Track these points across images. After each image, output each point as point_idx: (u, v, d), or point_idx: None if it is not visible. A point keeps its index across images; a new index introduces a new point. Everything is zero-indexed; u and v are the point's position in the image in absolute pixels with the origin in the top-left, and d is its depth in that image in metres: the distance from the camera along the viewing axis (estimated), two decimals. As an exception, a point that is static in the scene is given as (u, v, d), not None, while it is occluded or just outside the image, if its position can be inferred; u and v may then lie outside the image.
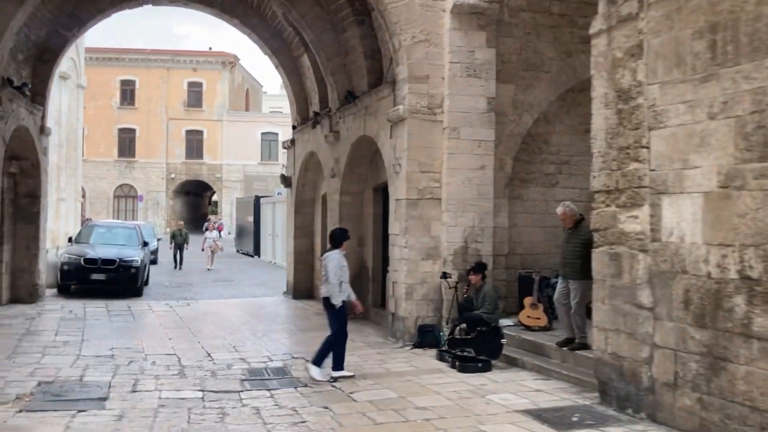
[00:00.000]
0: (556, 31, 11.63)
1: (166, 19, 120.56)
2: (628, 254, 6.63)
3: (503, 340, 9.29)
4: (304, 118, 17.50)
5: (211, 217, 50.71)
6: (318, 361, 8.76)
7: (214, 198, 61.95)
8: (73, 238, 19.08)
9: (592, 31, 7.07)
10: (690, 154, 5.96)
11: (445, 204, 10.98)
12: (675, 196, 6.10)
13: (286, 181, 17.95)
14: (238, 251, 37.68)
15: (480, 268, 10.48)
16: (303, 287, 17.52)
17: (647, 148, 6.39)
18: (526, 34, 11.53)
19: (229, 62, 58.79)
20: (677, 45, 6.05)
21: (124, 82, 56.25)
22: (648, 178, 6.39)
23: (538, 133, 11.76)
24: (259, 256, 33.59)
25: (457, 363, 9.16)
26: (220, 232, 31.18)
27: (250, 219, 35.32)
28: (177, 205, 58.44)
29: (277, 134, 58.25)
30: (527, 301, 10.41)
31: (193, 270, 24.57)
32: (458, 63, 10.95)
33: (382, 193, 13.82)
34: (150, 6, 16.40)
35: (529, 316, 10.25)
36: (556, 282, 10.76)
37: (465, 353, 9.51)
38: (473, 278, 10.40)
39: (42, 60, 15.19)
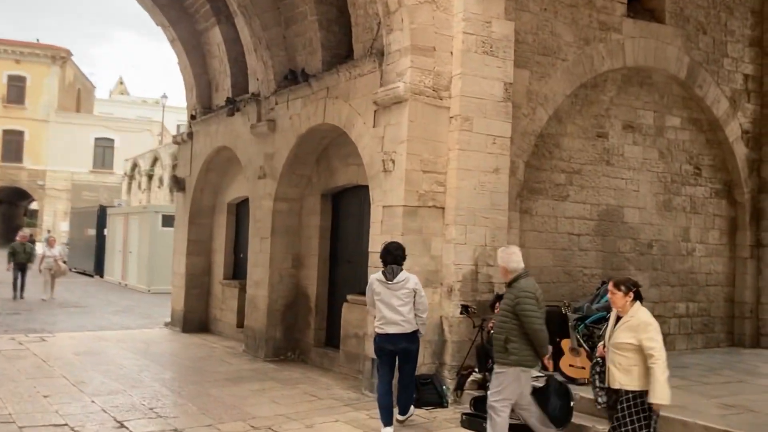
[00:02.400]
0: (574, 11, 9.58)
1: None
2: None
3: (572, 402, 6.81)
4: (207, 107, 14.14)
5: (27, 230, 43.64)
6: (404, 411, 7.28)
7: (33, 207, 54.19)
8: None
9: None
10: None
11: (453, 215, 8.40)
12: None
13: (178, 183, 14.38)
14: (71, 269, 32.14)
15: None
16: (195, 318, 14.00)
17: None
18: (543, 10, 9.37)
19: (60, 57, 52.03)
20: None
21: (-76, 69, 47.74)
22: None
23: (549, 134, 9.59)
24: (102, 276, 28.68)
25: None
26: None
27: (92, 232, 30.21)
28: (-13, 215, 50.33)
29: (113, 141, 52.51)
30: (566, 344, 8.09)
31: (26, 294, 19.39)
32: (473, 35, 8.50)
33: (333, 200, 10.96)
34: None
35: (571, 365, 7.92)
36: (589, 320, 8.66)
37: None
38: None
39: None
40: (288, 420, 7.38)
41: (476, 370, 8.14)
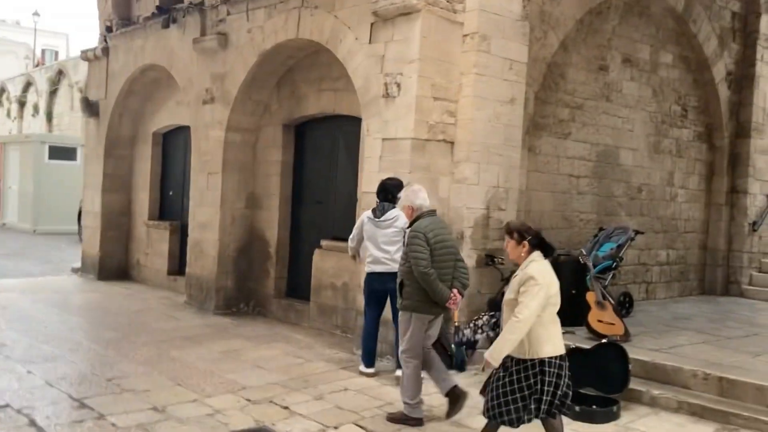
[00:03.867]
0: (587, -76, 8.53)
1: None
2: None
3: (630, 365, 6.01)
4: (125, 18, 12.01)
5: None
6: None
7: None
8: None
9: None
10: None
11: (466, 151, 7.27)
12: None
13: (90, 108, 12.22)
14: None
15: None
16: (114, 263, 12.18)
17: None
18: None
19: None
20: None
21: None
22: None
23: (556, 63, 8.60)
24: (-29, 215, 25.37)
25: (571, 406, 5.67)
26: None
27: (-43, 164, 26.51)
28: None
29: (-19, 62, 46.63)
30: (591, 297, 7.29)
31: None
32: (493, -64, 7.26)
33: (296, 132, 9.51)
34: None
35: (600, 321, 7.14)
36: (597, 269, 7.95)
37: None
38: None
39: None
40: (287, 390, 6.14)
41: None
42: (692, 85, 10.46)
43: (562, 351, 4.24)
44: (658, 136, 10.03)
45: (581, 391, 6.00)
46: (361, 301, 7.46)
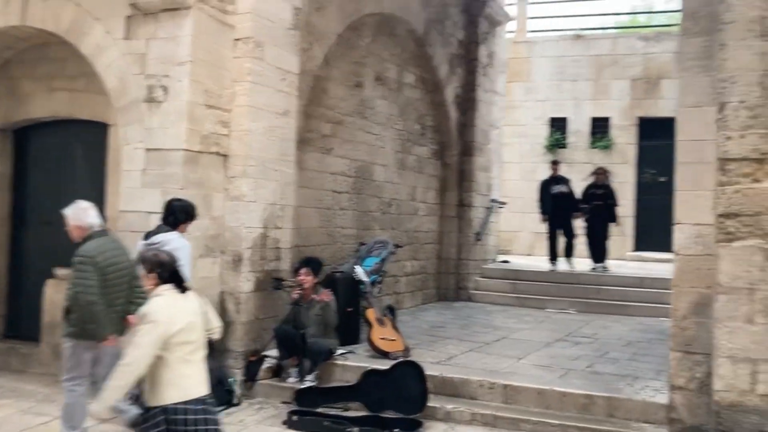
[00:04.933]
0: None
1: None
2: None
3: (427, 383, 5.97)
4: None
5: None
6: None
7: None
8: None
9: None
10: None
11: (243, 165, 6.68)
12: None
13: None
14: None
15: (316, 265, 6.86)
16: None
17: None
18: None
19: None
20: None
21: None
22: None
23: (320, 77, 8.38)
24: None
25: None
26: None
27: None
28: None
29: None
30: (371, 314, 7.18)
31: None
32: (266, -64, 6.81)
33: (18, 137, 7.93)
34: None
35: (382, 338, 7.04)
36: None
37: (337, 412, 5.90)
38: (307, 280, 6.74)
39: None
40: (43, 461, 4.95)
41: (267, 354, 6.77)
42: (429, 105, 11.12)
43: (194, 395, 3.64)
44: (404, 153, 10.45)
45: (382, 415, 5.87)
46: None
